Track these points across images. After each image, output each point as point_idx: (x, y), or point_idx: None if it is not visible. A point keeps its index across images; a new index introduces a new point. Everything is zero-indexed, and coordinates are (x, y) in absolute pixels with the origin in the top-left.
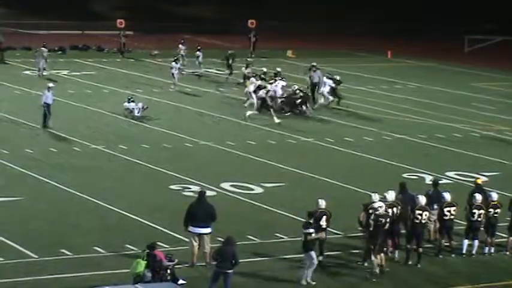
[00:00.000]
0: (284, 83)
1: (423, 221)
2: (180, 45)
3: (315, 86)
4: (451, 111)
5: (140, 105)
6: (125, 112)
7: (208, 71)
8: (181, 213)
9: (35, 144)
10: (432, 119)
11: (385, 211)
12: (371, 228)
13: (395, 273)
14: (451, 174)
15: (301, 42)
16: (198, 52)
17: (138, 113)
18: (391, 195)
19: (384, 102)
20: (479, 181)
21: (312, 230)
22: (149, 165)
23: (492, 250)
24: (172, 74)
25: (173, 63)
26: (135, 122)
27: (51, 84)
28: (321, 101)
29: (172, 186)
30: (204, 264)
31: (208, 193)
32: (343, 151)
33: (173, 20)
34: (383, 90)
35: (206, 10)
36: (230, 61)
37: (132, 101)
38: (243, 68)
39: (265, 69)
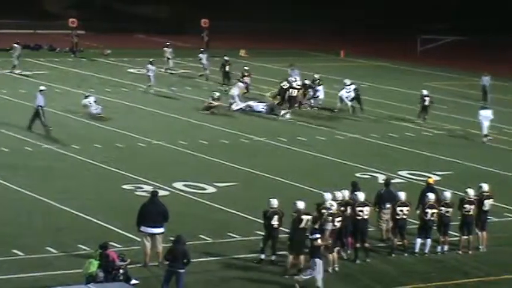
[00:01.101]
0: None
1: (365, 217)
2: (166, 48)
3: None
4: (404, 110)
5: (100, 108)
6: (83, 109)
7: (160, 71)
8: (133, 213)
9: None
10: (385, 119)
11: (337, 210)
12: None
13: (347, 273)
14: (403, 173)
15: (254, 41)
16: (201, 54)
17: (95, 110)
18: (341, 195)
19: (337, 102)
20: (430, 180)
21: (318, 236)
22: (102, 165)
23: (445, 248)
24: (149, 76)
25: (149, 65)
26: (88, 121)
27: (43, 88)
28: (338, 104)
29: (124, 186)
30: (156, 264)
31: (161, 193)
32: (296, 150)
33: (126, 20)
34: (335, 89)
35: (159, 10)
36: (227, 68)
37: (89, 97)
38: (239, 78)
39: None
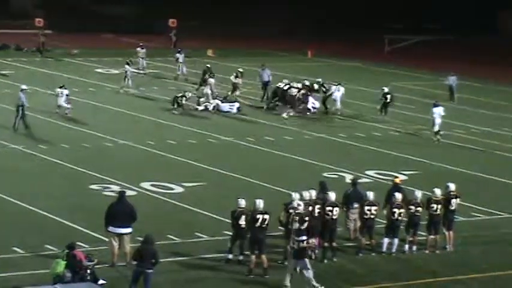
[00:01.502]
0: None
1: (334, 217)
2: (139, 48)
3: (265, 84)
4: (371, 110)
5: (69, 106)
6: (55, 98)
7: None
8: (101, 213)
9: None
10: (353, 118)
11: (304, 210)
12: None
13: (315, 272)
14: (371, 173)
15: (222, 41)
16: (177, 54)
17: (64, 102)
18: (309, 194)
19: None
20: (397, 180)
21: (305, 237)
22: (69, 165)
23: (414, 248)
24: (125, 76)
25: (126, 65)
26: (55, 121)
27: (24, 87)
28: (338, 106)
29: (92, 186)
30: (124, 264)
31: (129, 193)
32: (264, 150)
33: (93, 19)
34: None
35: (127, 9)
36: (206, 75)
37: (63, 88)
38: (232, 77)
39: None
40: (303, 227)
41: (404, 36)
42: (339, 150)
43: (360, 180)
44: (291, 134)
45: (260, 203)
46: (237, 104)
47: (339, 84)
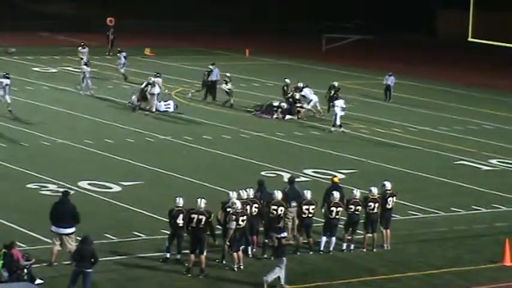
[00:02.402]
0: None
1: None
2: (80, 48)
3: (213, 83)
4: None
5: (8, 97)
6: None
7: (65, 69)
8: (38, 212)
9: None
10: (291, 117)
11: (242, 209)
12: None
13: (252, 271)
14: (309, 171)
15: (159, 40)
16: (119, 54)
17: (8, 93)
18: (246, 193)
19: (241, 100)
20: (335, 179)
21: (285, 234)
22: (6, 164)
23: (352, 247)
24: (83, 77)
25: (84, 66)
26: None
27: None
28: (319, 107)
29: (29, 185)
30: (67, 263)
31: None
32: (202, 149)
33: (30, 18)
34: (241, 88)
35: (64, 7)
36: (205, 78)
37: (6, 77)
38: (223, 85)
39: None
40: (239, 226)
41: (342, 35)
42: (277, 149)
43: (297, 179)
44: (229, 133)
45: (201, 203)
46: (172, 103)
47: (306, 86)
